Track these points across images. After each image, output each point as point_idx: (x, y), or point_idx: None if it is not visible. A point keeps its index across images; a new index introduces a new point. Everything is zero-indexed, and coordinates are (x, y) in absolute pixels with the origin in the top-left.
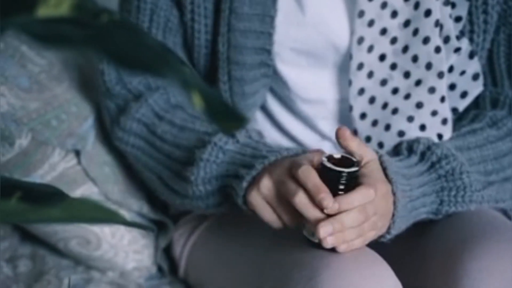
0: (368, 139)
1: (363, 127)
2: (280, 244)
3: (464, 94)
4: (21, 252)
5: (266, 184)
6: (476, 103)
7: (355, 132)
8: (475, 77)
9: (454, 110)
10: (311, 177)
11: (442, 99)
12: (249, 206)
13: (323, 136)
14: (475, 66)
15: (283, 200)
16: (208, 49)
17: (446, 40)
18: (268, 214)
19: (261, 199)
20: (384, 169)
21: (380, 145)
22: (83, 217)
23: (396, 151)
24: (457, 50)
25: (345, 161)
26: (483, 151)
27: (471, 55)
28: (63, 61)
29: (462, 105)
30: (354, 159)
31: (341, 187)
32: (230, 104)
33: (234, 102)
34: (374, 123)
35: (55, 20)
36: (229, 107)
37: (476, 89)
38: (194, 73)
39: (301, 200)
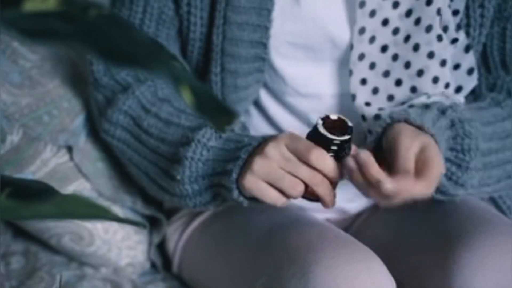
0: (378, 117)
1: (370, 112)
2: (274, 239)
3: (459, 89)
4: (13, 248)
5: (259, 162)
6: (473, 90)
7: (363, 118)
8: (470, 71)
9: None
10: (327, 165)
11: (447, 86)
12: (247, 192)
13: None
14: (470, 60)
15: (282, 172)
16: (203, 42)
17: (445, 30)
18: (269, 193)
19: (258, 180)
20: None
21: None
22: (74, 213)
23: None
24: (455, 41)
25: (341, 123)
26: (495, 128)
27: (467, 49)
28: (55, 57)
29: None
30: (349, 124)
31: (331, 154)
32: (220, 99)
33: (224, 95)
34: (380, 109)
35: (43, 14)
36: (220, 102)
37: (470, 83)
38: (185, 68)
39: (324, 188)
